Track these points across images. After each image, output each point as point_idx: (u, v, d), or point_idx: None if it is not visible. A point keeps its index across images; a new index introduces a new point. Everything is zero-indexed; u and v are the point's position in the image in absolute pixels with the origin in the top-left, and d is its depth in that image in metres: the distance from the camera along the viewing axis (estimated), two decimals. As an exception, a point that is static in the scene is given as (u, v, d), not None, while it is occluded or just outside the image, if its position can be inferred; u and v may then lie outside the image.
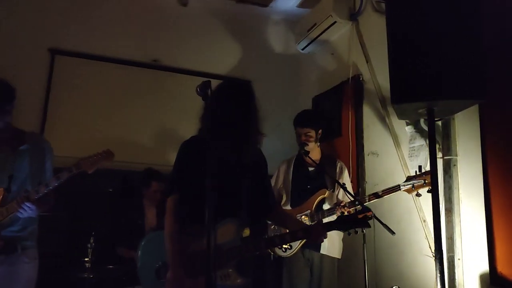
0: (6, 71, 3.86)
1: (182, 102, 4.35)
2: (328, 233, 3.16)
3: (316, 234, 2.18)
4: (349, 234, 2.28)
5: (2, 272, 2.43)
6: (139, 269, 2.21)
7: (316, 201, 3.24)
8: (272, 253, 3.33)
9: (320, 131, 3.46)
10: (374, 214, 2.85)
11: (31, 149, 2.59)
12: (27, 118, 3.87)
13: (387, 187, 3.02)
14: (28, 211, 2.41)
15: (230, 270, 2.03)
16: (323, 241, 3.12)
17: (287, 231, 2.41)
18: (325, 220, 3.15)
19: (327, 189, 3.27)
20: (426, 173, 2.82)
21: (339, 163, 3.50)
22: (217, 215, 1.65)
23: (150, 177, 3.98)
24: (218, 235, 1.75)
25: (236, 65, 4.95)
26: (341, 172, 3.45)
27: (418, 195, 2.85)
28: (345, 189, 3.02)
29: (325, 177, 3.33)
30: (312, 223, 3.15)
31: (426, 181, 2.79)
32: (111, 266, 3.50)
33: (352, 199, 3.00)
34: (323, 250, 3.25)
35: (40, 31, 4.28)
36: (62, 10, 4.38)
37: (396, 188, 2.93)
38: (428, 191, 2.73)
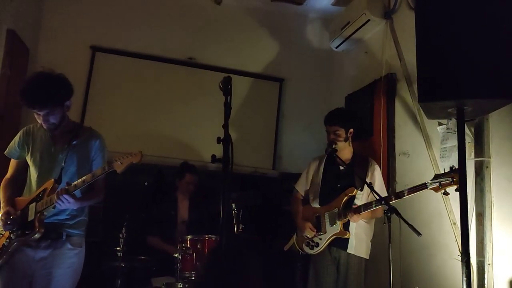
0: (49, 67, 4.12)
1: (216, 99, 4.40)
2: (356, 232, 3.19)
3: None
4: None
5: (47, 256, 2.58)
6: None
7: (344, 199, 3.19)
8: (300, 251, 3.34)
9: (351, 130, 3.36)
10: (400, 215, 2.82)
11: (82, 143, 2.72)
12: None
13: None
14: (66, 203, 2.50)
15: None
16: (346, 233, 3.12)
17: None
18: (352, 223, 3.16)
19: (356, 188, 3.22)
20: (454, 171, 2.69)
21: (371, 163, 3.40)
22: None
23: (184, 169, 4.08)
24: None
25: (270, 63, 4.98)
26: (373, 172, 3.36)
27: (446, 193, 2.75)
28: (371, 188, 2.98)
29: (354, 176, 3.28)
30: (338, 221, 3.15)
31: (454, 179, 2.68)
32: (142, 257, 3.62)
33: (378, 198, 2.96)
34: (350, 250, 3.18)
35: (82, 29, 4.48)
36: (103, 8, 4.56)
37: (423, 186, 2.82)
38: (456, 190, 2.65)
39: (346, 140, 3.35)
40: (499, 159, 2.80)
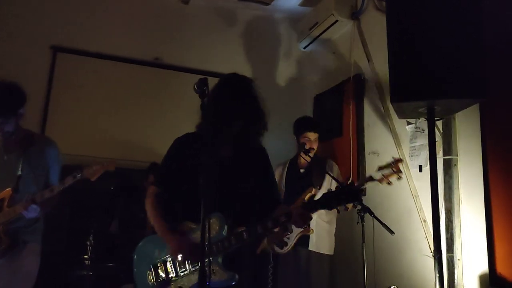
0: (8, 69, 3.92)
1: (183, 100, 4.33)
2: (316, 230, 3.26)
3: (298, 216, 2.04)
4: (338, 211, 2.20)
5: (3, 264, 2.51)
6: (135, 273, 2.20)
7: (305, 199, 3.26)
8: (271, 251, 3.36)
9: (317, 134, 3.58)
10: (374, 214, 2.87)
11: (38, 151, 2.67)
12: (28, 115, 3.80)
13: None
14: (32, 212, 2.47)
15: (215, 266, 1.99)
16: (309, 230, 3.18)
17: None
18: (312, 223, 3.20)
19: (314, 187, 3.30)
20: (395, 161, 2.82)
21: (328, 162, 3.57)
22: (200, 211, 1.63)
23: (149, 170, 3.99)
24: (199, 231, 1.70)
25: (238, 64, 4.92)
26: (331, 169, 3.51)
27: (389, 183, 2.84)
28: (332, 177, 3.05)
29: (312, 176, 3.39)
30: None
31: (394, 169, 2.79)
32: (110, 264, 3.51)
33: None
34: (311, 247, 3.32)
35: (42, 29, 4.29)
36: (64, 7, 4.38)
37: (369, 178, 2.93)
38: (397, 179, 2.80)
39: (302, 147, 3.48)
40: (466, 157, 2.88)
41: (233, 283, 2.03)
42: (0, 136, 2.59)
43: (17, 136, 2.64)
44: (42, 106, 4.17)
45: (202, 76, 1.88)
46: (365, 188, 3.71)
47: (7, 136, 2.60)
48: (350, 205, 2.96)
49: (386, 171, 2.84)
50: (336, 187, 2.12)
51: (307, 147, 3.44)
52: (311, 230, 3.24)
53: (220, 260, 2.04)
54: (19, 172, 2.57)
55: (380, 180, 2.88)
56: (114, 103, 4.46)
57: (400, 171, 2.83)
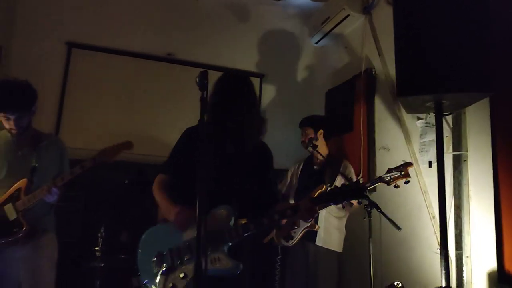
0: (24, 65, 4.02)
1: (196, 96, 4.36)
2: (325, 226, 3.28)
3: (305, 210, 2.10)
4: (343, 207, 2.22)
5: (27, 252, 2.67)
6: (139, 262, 2.24)
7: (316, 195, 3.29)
8: (278, 243, 3.41)
9: (320, 131, 3.61)
10: (380, 209, 2.87)
11: (50, 146, 2.90)
12: (44, 110, 3.94)
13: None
14: (54, 196, 2.64)
15: (221, 254, 2.04)
16: (315, 226, 3.19)
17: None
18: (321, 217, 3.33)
19: (325, 184, 3.30)
20: (405, 164, 2.78)
21: (344, 162, 3.59)
22: (209, 202, 1.67)
23: None
24: (208, 220, 1.75)
25: (250, 59, 4.95)
26: (345, 170, 3.55)
27: (396, 186, 2.81)
28: (343, 175, 3.06)
29: (326, 174, 3.40)
30: None
31: (403, 172, 2.71)
32: (122, 256, 3.56)
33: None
34: (319, 242, 3.33)
35: (57, 25, 4.36)
36: (79, 4, 4.45)
37: (378, 180, 2.86)
38: (405, 183, 2.68)
39: (315, 139, 3.55)
40: (476, 152, 2.83)
41: (237, 272, 2.07)
42: (15, 131, 2.77)
43: (29, 133, 2.85)
44: (57, 101, 4.26)
45: (218, 73, 1.92)
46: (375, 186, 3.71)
47: (21, 132, 2.80)
48: (355, 202, 2.98)
49: (395, 174, 2.82)
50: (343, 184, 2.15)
51: (301, 139, 3.57)
52: (317, 227, 3.25)
53: (225, 248, 2.09)
54: (35, 164, 2.75)
55: (388, 182, 2.87)
56: (127, 98, 4.52)
57: (409, 175, 2.81)
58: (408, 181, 2.79)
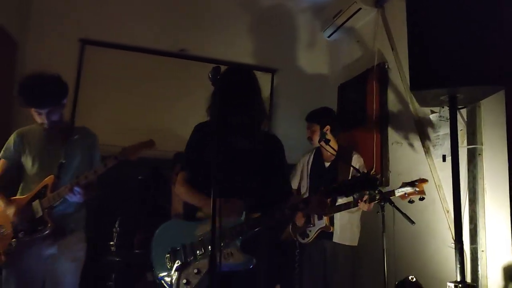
0: (39, 62, 4.06)
1: (208, 91, 4.38)
2: (340, 223, 3.27)
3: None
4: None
5: (54, 252, 2.63)
6: (153, 258, 2.27)
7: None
8: (295, 239, 3.45)
9: (327, 126, 3.50)
10: (394, 203, 2.87)
11: (81, 140, 2.80)
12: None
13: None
14: (77, 195, 2.56)
15: (233, 249, 2.05)
16: (330, 228, 3.20)
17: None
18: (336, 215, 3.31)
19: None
20: (420, 180, 2.85)
21: (354, 155, 3.50)
22: (221, 196, 1.68)
23: (174, 160, 4.04)
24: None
25: (262, 54, 4.94)
26: (355, 163, 3.48)
27: (411, 201, 2.86)
28: (355, 169, 3.04)
29: (337, 172, 3.38)
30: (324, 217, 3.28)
31: (418, 189, 2.85)
32: (136, 251, 3.60)
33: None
34: (335, 238, 3.32)
35: (71, 23, 4.40)
36: (91, 1, 4.48)
37: (391, 193, 2.95)
38: (419, 199, 2.84)
39: (323, 136, 3.46)
40: (491, 146, 2.81)
41: (251, 267, 2.09)
42: (46, 126, 2.68)
43: (61, 126, 2.75)
44: (71, 98, 4.28)
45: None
46: (389, 177, 3.69)
47: (52, 126, 2.69)
48: (366, 204, 3.01)
49: (409, 189, 2.85)
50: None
51: (307, 135, 3.56)
52: (331, 228, 3.29)
53: (238, 243, 2.11)
54: (62, 160, 2.68)
55: (402, 197, 2.93)
56: (140, 94, 4.54)
57: (423, 193, 2.84)
58: (423, 198, 2.82)
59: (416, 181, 2.86)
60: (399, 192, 2.91)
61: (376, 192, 2.91)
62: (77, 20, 4.42)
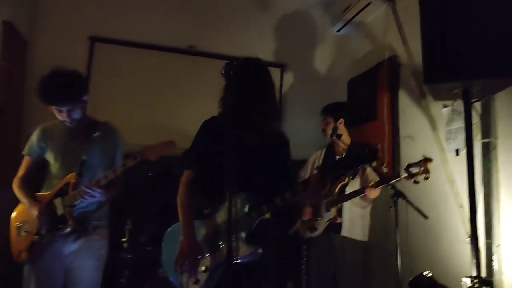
0: (48, 60, 4.06)
1: (218, 87, 4.38)
2: (350, 217, 3.25)
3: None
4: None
5: (77, 249, 2.64)
6: (163, 262, 2.27)
7: (338, 188, 3.29)
8: (303, 234, 3.45)
9: (341, 120, 3.51)
10: (407, 198, 2.85)
11: (103, 137, 2.78)
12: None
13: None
14: (96, 195, 2.57)
15: (239, 242, 2.06)
16: (337, 218, 3.20)
17: None
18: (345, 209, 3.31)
19: (347, 177, 3.27)
20: (425, 160, 2.79)
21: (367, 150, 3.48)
22: (224, 192, 1.71)
23: (183, 158, 4.04)
24: (223, 210, 1.77)
25: (271, 49, 4.92)
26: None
27: (416, 182, 2.79)
28: (371, 166, 3.03)
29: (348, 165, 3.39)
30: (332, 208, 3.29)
31: (422, 168, 2.77)
32: (148, 248, 3.62)
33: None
34: (344, 232, 3.31)
35: (80, 20, 4.40)
36: (101, -2, 4.50)
37: (397, 175, 2.93)
38: (424, 179, 2.76)
39: (334, 131, 3.47)
40: (506, 139, 2.77)
41: (258, 257, 2.11)
42: (68, 123, 2.68)
43: (83, 123, 2.74)
44: (81, 95, 4.31)
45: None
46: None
47: (74, 123, 2.69)
48: (372, 192, 2.99)
49: (415, 170, 2.81)
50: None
51: (321, 127, 3.57)
52: (339, 219, 3.29)
53: (243, 236, 2.12)
54: (84, 158, 2.68)
55: (407, 178, 2.88)
56: (151, 91, 4.54)
57: (428, 171, 2.79)
58: (428, 178, 2.79)
59: (420, 161, 2.83)
60: (404, 173, 2.86)
61: (389, 186, 2.90)
62: (86, 17, 4.42)
